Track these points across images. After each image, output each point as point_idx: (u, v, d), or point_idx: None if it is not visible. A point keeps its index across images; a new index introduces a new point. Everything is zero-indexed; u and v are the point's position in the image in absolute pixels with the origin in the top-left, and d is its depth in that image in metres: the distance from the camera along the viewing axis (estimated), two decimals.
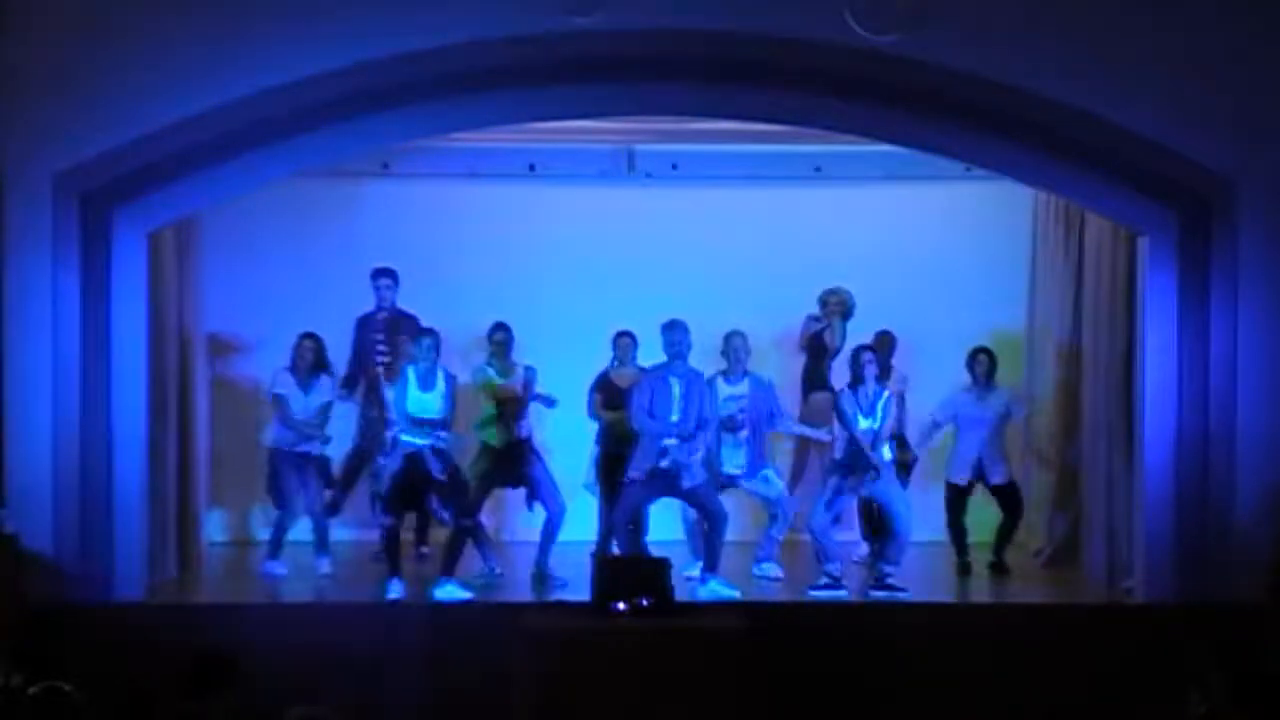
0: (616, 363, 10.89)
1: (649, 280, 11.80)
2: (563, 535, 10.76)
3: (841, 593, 10.05)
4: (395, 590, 9.89)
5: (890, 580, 10.11)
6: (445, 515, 10.05)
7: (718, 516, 10.12)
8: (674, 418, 10.05)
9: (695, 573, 10.38)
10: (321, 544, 10.84)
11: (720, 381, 10.63)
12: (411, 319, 11.24)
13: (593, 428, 11.02)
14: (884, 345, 11.22)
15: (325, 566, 10.78)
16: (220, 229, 11.36)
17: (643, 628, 8.86)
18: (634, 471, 10.14)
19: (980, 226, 12.10)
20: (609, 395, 10.82)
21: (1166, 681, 8.47)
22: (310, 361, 10.79)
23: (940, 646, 9.35)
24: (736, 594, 9.94)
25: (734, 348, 10.66)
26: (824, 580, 10.09)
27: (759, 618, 9.14)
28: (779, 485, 10.79)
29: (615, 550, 10.34)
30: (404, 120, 9.70)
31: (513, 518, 11.85)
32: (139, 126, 9.44)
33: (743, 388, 10.62)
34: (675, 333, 10.13)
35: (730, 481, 10.64)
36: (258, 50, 9.39)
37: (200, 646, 7.40)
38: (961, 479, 11.06)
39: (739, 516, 10.95)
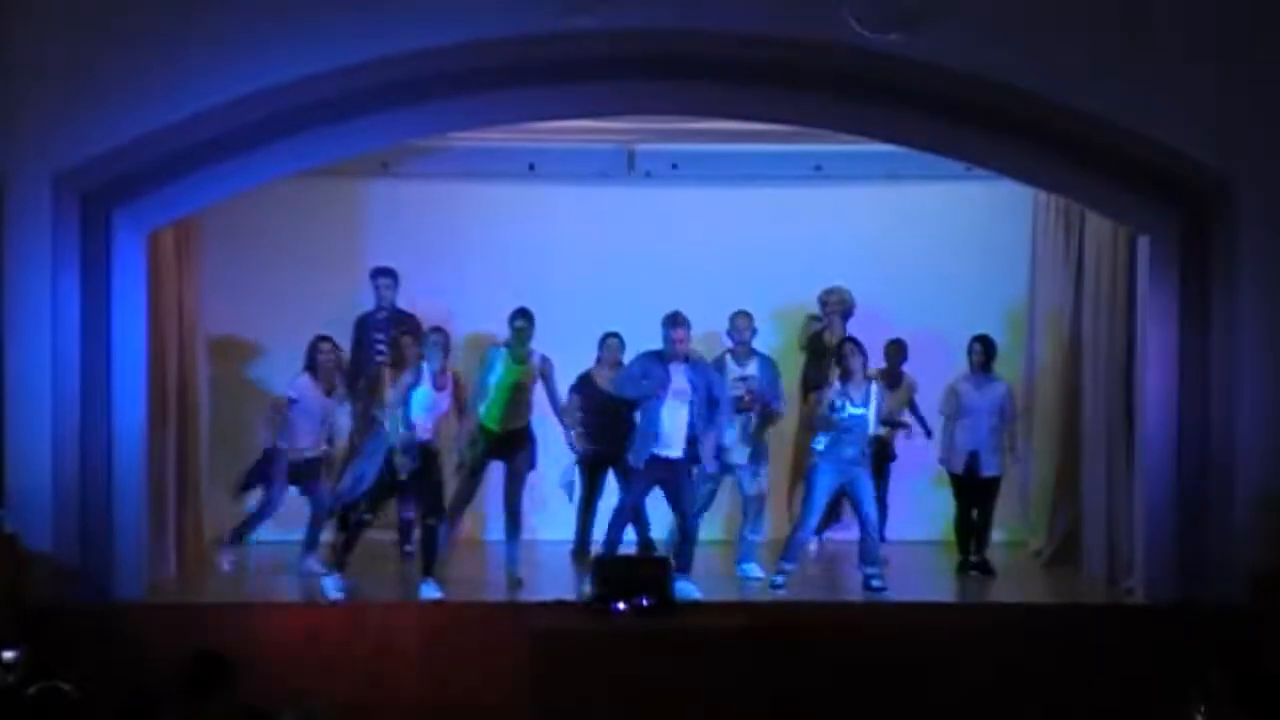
0: (600, 363, 10.92)
1: (649, 279, 11.79)
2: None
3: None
4: (335, 587, 9.92)
5: (874, 583, 10.12)
6: (431, 523, 10.08)
7: (686, 505, 10.15)
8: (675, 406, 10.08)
9: (781, 572, 10.47)
10: (313, 544, 10.85)
11: (729, 361, 10.68)
12: (411, 318, 11.26)
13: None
14: (895, 353, 11.25)
15: (318, 566, 10.79)
16: (220, 229, 11.37)
17: (643, 628, 8.87)
18: (632, 459, 10.15)
19: (980, 226, 12.10)
20: (588, 396, 10.83)
21: (1166, 681, 8.48)
22: (334, 364, 10.76)
23: (940, 646, 9.35)
24: (699, 595, 9.89)
25: (739, 328, 10.70)
26: (780, 578, 10.19)
27: (759, 618, 9.15)
28: (762, 485, 10.80)
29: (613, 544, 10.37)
30: (404, 120, 9.70)
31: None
32: (139, 126, 9.44)
33: (751, 368, 10.65)
34: (680, 329, 10.07)
35: (730, 470, 10.66)
36: (258, 50, 9.38)
37: (200, 646, 7.39)
38: (957, 468, 11.05)
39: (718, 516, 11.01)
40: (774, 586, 10.19)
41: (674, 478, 10.14)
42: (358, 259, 11.79)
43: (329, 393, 10.79)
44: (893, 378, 11.09)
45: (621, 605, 8.98)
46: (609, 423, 10.60)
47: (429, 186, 12.05)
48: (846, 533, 11.15)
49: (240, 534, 10.88)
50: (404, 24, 9.37)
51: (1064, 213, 11.36)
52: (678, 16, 9.41)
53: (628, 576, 9.18)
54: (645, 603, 8.98)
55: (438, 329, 10.33)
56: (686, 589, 9.82)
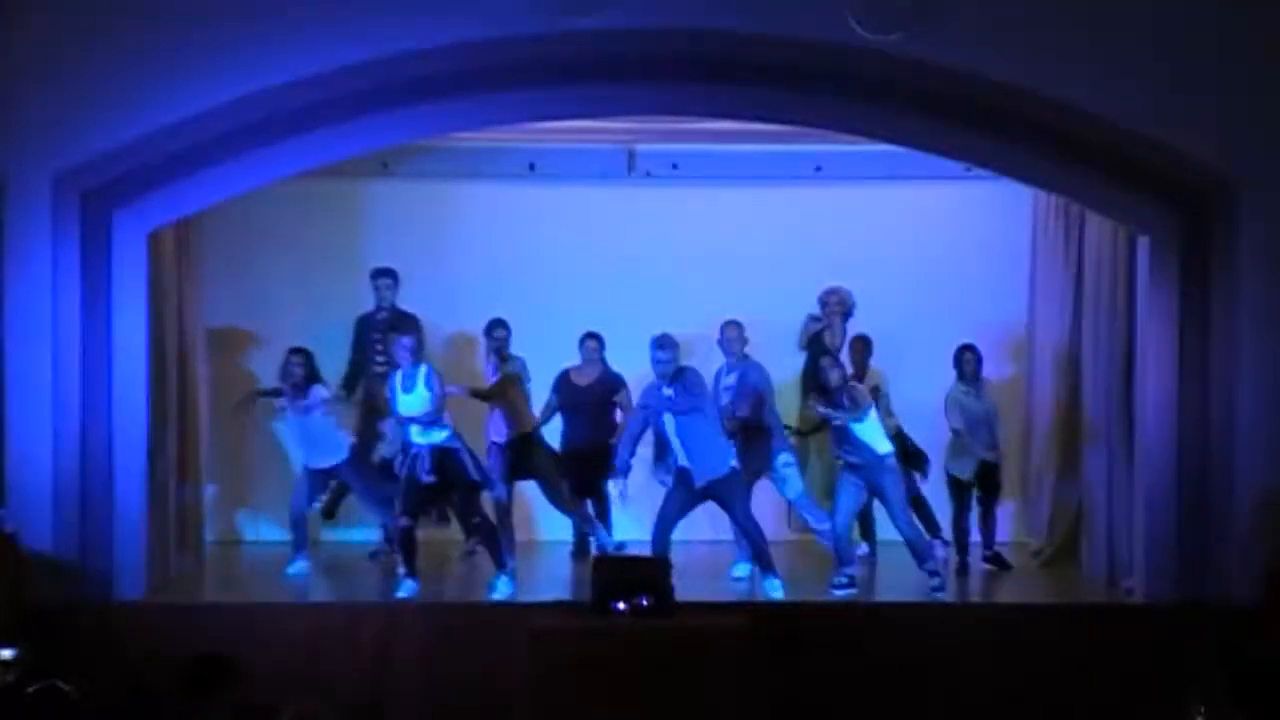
0: (581, 363, 10.99)
1: (649, 280, 11.80)
2: (540, 534, 10.85)
3: (853, 591, 10.10)
4: (407, 591, 9.90)
5: (933, 582, 10.07)
6: (477, 521, 10.07)
7: (739, 516, 10.00)
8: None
9: (743, 572, 10.48)
10: (302, 544, 10.91)
11: (721, 372, 10.72)
12: (411, 318, 11.24)
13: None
14: (860, 349, 11.25)
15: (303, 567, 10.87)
16: (220, 229, 11.36)
17: (643, 628, 8.87)
18: (661, 475, 10.31)
19: (980, 226, 12.10)
20: (567, 395, 10.88)
21: (1166, 681, 8.49)
22: (301, 376, 10.74)
23: (940, 646, 9.34)
24: (780, 594, 9.94)
25: (728, 339, 10.72)
26: (843, 579, 10.12)
27: (759, 618, 9.15)
28: (798, 485, 10.77)
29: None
30: (404, 120, 9.69)
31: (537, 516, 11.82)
32: (139, 126, 9.44)
33: (733, 379, 10.66)
34: (665, 351, 9.88)
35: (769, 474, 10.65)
36: (258, 50, 9.39)
37: (200, 646, 7.39)
38: (964, 474, 11.08)
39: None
40: (837, 587, 10.12)
41: (716, 488, 9.95)
42: (358, 259, 11.79)
43: (297, 403, 10.75)
44: (858, 374, 11.10)
45: (621, 605, 8.97)
46: (584, 422, 10.66)
47: (429, 186, 12.05)
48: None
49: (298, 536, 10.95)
50: (404, 24, 9.38)
51: (1064, 213, 11.36)
52: (678, 16, 9.41)
53: (628, 576, 9.17)
54: (645, 603, 8.97)
55: (403, 331, 10.35)
56: (772, 586, 9.90)
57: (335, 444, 10.83)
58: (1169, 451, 9.68)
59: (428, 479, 9.89)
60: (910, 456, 10.98)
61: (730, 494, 9.93)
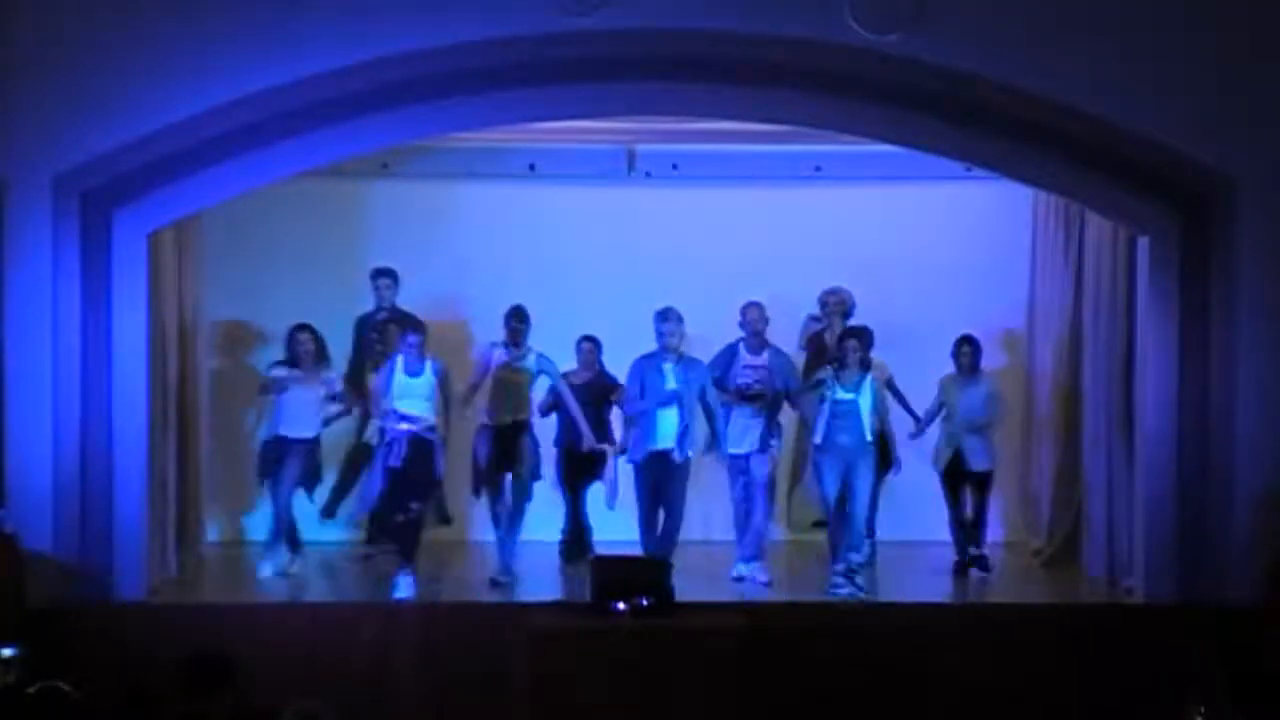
0: (578, 367, 11.02)
1: (649, 280, 11.78)
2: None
3: (849, 591, 10.09)
4: (405, 590, 9.91)
5: (853, 576, 10.06)
6: (414, 507, 10.08)
7: (673, 496, 10.28)
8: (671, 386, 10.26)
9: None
10: (296, 545, 10.87)
11: (741, 349, 10.69)
12: (411, 318, 11.23)
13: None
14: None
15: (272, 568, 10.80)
16: (220, 228, 11.36)
17: (643, 628, 8.87)
18: (633, 456, 10.36)
19: (980, 226, 12.09)
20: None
21: (1166, 681, 8.48)
22: (313, 353, 10.75)
23: (939, 647, 9.35)
24: None
25: (751, 319, 10.69)
26: (839, 579, 10.10)
27: (758, 618, 9.15)
28: (770, 470, 10.73)
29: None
30: (404, 120, 9.70)
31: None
32: (139, 126, 9.45)
33: (763, 359, 10.64)
34: (669, 323, 10.23)
35: (741, 465, 10.61)
36: (257, 50, 9.40)
37: (200, 646, 7.39)
38: (939, 463, 11.07)
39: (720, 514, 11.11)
40: (836, 587, 10.11)
41: (668, 473, 10.26)
42: (358, 259, 11.79)
43: (310, 380, 10.73)
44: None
45: (621, 605, 8.97)
46: (578, 424, 10.67)
47: (429, 186, 12.05)
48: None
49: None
50: (404, 24, 9.40)
51: (1064, 213, 11.36)
52: (678, 16, 9.42)
53: (627, 576, 9.17)
54: (645, 603, 8.97)
55: (411, 329, 10.40)
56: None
57: (310, 422, 10.79)
58: (1169, 451, 9.69)
59: (395, 464, 9.94)
60: (884, 456, 10.93)
61: (682, 479, 10.31)
